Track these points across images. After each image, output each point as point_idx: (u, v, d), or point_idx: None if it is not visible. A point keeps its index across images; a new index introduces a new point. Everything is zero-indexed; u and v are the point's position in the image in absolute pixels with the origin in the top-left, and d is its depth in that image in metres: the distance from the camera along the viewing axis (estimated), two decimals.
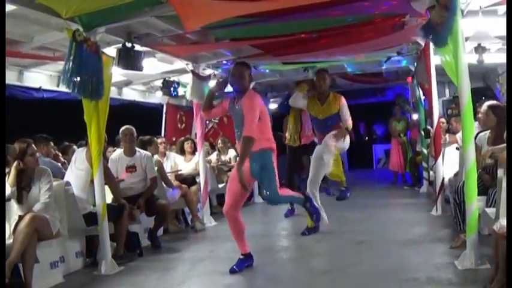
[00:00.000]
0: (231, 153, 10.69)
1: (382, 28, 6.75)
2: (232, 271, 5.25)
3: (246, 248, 5.43)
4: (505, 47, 7.26)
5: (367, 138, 18.22)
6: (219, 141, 10.90)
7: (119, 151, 7.09)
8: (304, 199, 5.78)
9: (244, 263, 5.38)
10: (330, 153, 6.67)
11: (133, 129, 6.93)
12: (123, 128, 6.94)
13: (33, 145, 5.26)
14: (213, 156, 10.46)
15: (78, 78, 5.22)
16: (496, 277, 3.94)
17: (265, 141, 5.21)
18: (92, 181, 5.78)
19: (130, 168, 6.86)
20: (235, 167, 5.31)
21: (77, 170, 5.95)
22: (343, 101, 6.89)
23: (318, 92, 6.95)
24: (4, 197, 4.91)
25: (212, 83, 7.59)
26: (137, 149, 7.01)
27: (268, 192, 5.18)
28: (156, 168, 7.11)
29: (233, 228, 5.36)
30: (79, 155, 6.04)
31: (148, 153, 7.11)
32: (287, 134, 8.84)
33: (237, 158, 9.82)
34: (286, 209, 8.70)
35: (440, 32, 4.75)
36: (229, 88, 5.57)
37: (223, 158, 10.56)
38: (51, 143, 6.96)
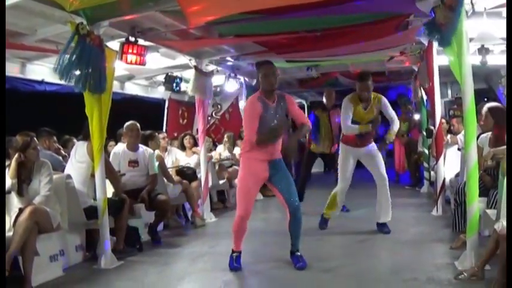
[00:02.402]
0: (237, 150, 10.70)
1: (386, 28, 6.74)
2: (234, 268, 5.27)
3: (241, 246, 5.44)
4: None
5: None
6: (226, 136, 10.86)
7: (121, 145, 7.08)
8: None
9: (240, 258, 5.40)
10: (386, 178, 6.72)
11: (138, 124, 6.94)
12: (128, 123, 6.94)
13: (36, 139, 5.26)
14: (219, 150, 10.52)
15: (78, 72, 5.21)
16: (495, 277, 3.96)
17: None
18: (92, 175, 5.78)
19: (133, 163, 6.87)
20: (253, 167, 5.21)
21: (78, 163, 5.94)
22: (384, 99, 6.69)
23: (360, 95, 6.60)
24: (4, 191, 4.90)
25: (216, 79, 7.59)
26: (140, 145, 7.02)
27: (298, 200, 5.25)
28: (157, 163, 7.11)
29: (242, 229, 5.32)
30: (79, 148, 6.02)
31: (151, 150, 7.12)
32: (318, 142, 8.81)
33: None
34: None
35: (445, 32, 4.74)
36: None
37: (227, 153, 10.55)
38: (54, 137, 6.96)
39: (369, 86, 6.55)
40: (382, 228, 6.67)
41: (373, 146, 6.77)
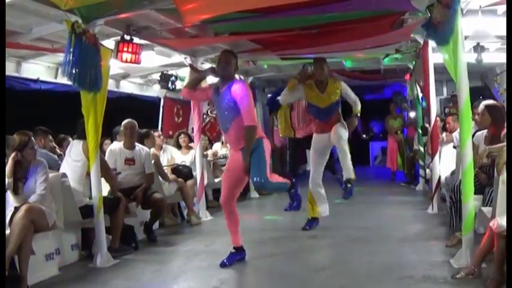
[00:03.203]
0: None
1: (381, 25, 6.74)
2: (222, 265, 5.28)
3: (238, 241, 5.48)
4: (504, 46, 7.26)
5: (370, 135, 17.75)
6: None
7: (118, 143, 7.08)
8: (290, 185, 5.58)
9: (236, 256, 5.42)
10: (345, 141, 6.59)
11: (135, 123, 6.94)
12: (125, 121, 6.94)
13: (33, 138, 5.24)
14: (216, 147, 10.50)
15: (77, 70, 5.21)
16: (492, 275, 3.98)
17: None
18: (88, 173, 5.77)
19: (129, 161, 6.87)
20: (231, 157, 5.41)
21: (73, 162, 5.93)
22: (343, 84, 6.78)
23: (316, 80, 6.75)
24: (4, 191, 4.89)
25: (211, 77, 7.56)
26: (137, 144, 7.02)
27: (258, 178, 5.08)
28: (152, 161, 7.10)
29: (229, 220, 5.40)
30: (75, 147, 6.01)
31: (147, 149, 7.12)
32: (280, 127, 8.89)
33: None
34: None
35: (442, 31, 4.74)
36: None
37: (225, 151, 10.55)
38: (50, 136, 6.94)
39: (323, 67, 6.69)
40: (345, 187, 6.71)
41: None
